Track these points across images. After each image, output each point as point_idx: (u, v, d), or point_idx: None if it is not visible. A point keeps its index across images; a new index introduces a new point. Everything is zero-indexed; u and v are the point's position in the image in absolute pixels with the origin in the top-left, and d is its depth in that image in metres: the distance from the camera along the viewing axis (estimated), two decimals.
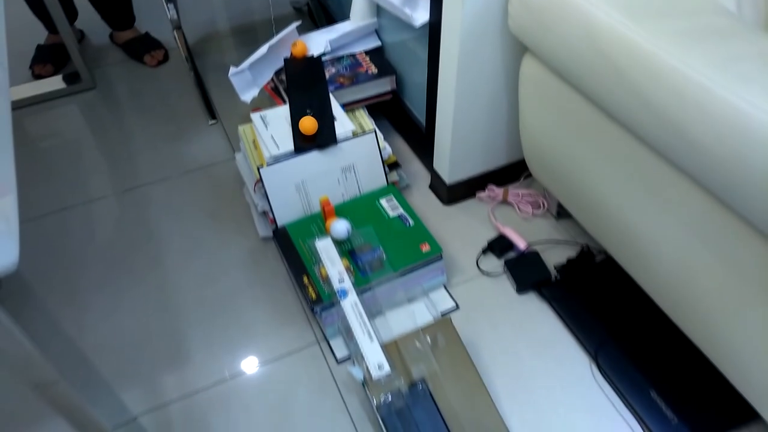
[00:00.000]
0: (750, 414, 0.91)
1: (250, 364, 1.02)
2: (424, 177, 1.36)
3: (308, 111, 1.13)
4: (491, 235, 1.22)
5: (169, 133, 1.51)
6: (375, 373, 0.90)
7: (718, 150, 0.65)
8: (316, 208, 1.17)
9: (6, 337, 0.53)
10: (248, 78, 1.26)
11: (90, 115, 1.59)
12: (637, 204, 0.86)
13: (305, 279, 1.04)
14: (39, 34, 1.77)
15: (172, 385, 0.99)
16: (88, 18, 1.84)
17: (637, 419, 0.93)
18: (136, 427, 0.88)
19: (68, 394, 0.61)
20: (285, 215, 1.15)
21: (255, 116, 1.19)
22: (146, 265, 1.19)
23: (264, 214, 1.22)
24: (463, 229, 1.24)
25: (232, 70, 1.24)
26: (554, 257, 1.17)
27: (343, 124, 1.17)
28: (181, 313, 1.10)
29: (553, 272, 1.13)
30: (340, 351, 1.03)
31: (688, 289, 0.83)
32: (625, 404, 0.94)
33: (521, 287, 1.11)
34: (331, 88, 1.26)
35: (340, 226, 1.06)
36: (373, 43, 1.40)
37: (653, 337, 1.01)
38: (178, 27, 1.68)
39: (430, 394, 0.90)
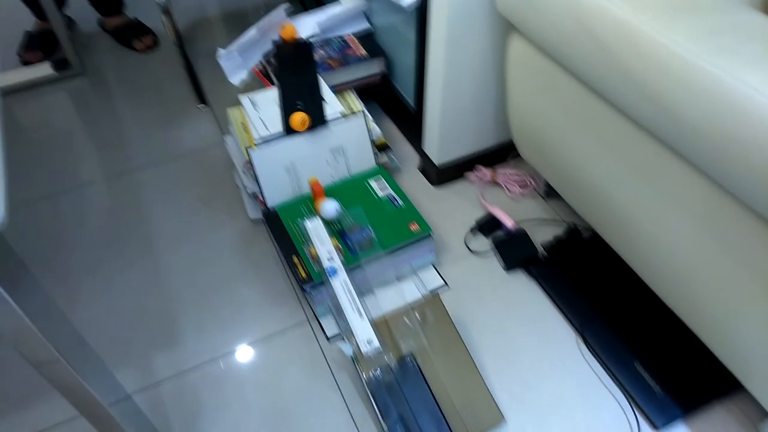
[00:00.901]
0: (733, 384, 0.93)
1: (241, 344, 1.03)
2: (413, 159, 1.37)
3: (298, 105, 1.13)
4: (480, 215, 1.23)
5: (158, 118, 1.51)
6: (364, 349, 0.92)
7: (702, 123, 0.66)
8: (306, 189, 1.18)
9: (10, 318, 0.54)
10: (237, 60, 1.27)
11: (79, 101, 1.59)
12: (623, 181, 0.87)
13: (295, 259, 1.05)
14: (26, 20, 1.76)
15: (163, 365, 1.00)
16: (77, 4, 1.83)
17: (623, 391, 0.94)
18: (130, 405, 0.89)
19: (67, 373, 0.62)
20: (275, 197, 1.15)
21: (244, 98, 1.20)
22: (138, 248, 1.20)
23: (254, 196, 1.22)
24: (452, 210, 1.25)
25: (221, 52, 1.24)
26: (542, 236, 1.18)
27: (332, 105, 1.17)
28: (173, 294, 1.11)
29: (541, 250, 1.15)
30: (331, 329, 1.04)
31: (672, 263, 0.84)
32: (611, 377, 0.96)
33: (509, 265, 1.13)
34: (320, 70, 1.26)
35: (330, 206, 1.07)
36: (362, 25, 1.40)
37: (638, 313, 1.03)
38: (166, 12, 1.68)
39: (419, 369, 0.92)
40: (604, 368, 0.98)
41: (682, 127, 0.69)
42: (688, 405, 0.92)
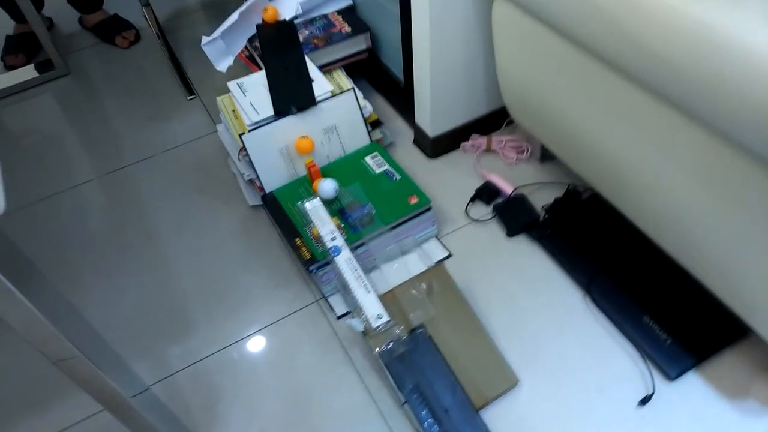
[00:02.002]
0: (742, 330, 0.94)
1: (252, 329, 1.04)
2: (407, 133, 1.36)
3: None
4: (478, 183, 1.23)
5: (148, 113, 1.50)
6: (374, 323, 0.92)
7: (689, 67, 0.66)
8: (302, 171, 1.17)
9: (26, 317, 0.54)
10: (222, 47, 1.25)
11: (66, 101, 1.57)
12: (617, 135, 0.87)
13: (298, 241, 1.05)
14: (5, 24, 1.73)
15: (177, 355, 1.01)
16: (54, 5, 1.80)
17: (633, 345, 0.95)
18: (150, 396, 0.90)
19: (88, 368, 0.63)
20: (272, 181, 1.15)
21: (232, 84, 1.19)
22: (139, 242, 1.20)
23: (251, 182, 1.22)
24: (450, 181, 1.25)
25: (205, 39, 1.23)
26: (541, 199, 1.18)
27: (321, 85, 1.16)
28: (179, 286, 1.11)
29: (541, 213, 1.15)
30: (339, 307, 1.04)
31: (672, 212, 0.85)
32: (619, 331, 0.97)
33: (511, 230, 1.13)
34: (305, 50, 1.25)
35: (328, 185, 1.07)
36: (344, 2, 1.38)
37: (642, 266, 1.03)
38: (146, 4, 1.66)
39: (430, 338, 0.92)
40: (613, 323, 0.98)
41: (670, 73, 0.69)
42: (700, 354, 0.93)
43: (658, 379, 0.92)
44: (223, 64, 1.26)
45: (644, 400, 0.89)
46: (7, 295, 0.51)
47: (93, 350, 0.64)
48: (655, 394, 0.90)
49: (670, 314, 0.97)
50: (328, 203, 1.08)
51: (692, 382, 0.91)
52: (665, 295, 0.99)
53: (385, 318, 0.93)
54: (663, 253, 1.00)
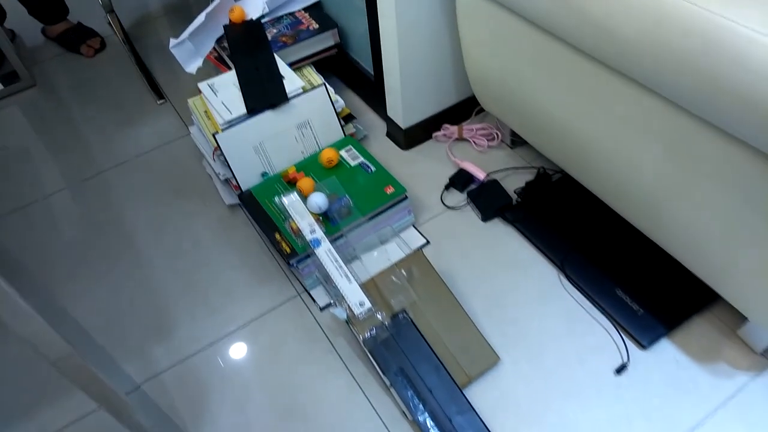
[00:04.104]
0: (710, 296, 0.98)
1: (236, 324, 1.04)
2: (380, 127, 1.38)
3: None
4: (451, 172, 1.25)
5: (118, 120, 1.49)
6: (357, 311, 0.94)
7: (649, 46, 0.69)
8: (278, 168, 1.19)
9: (26, 320, 0.55)
10: (190, 49, 1.26)
11: (34, 113, 1.55)
12: (583, 114, 0.90)
13: (277, 236, 1.06)
14: None
15: (161, 356, 1.01)
16: (17, 16, 1.78)
17: (606, 316, 0.99)
18: (141, 395, 0.90)
19: (83, 367, 0.64)
20: (248, 179, 1.16)
21: (203, 85, 1.19)
22: (118, 248, 1.19)
23: (227, 182, 1.23)
24: (424, 170, 1.27)
25: (173, 42, 1.23)
26: (513, 183, 1.21)
27: (291, 81, 1.17)
28: (160, 288, 1.12)
29: (514, 197, 1.18)
30: (322, 299, 1.06)
31: (639, 186, 0.88)
32: (594, 305, 1.00)
33: (485, 215, 1.16)
34: (274, 48, 1.26)
35: (317, 199, 1.05)
36: None
37: (613, 241, 1.07)
38: (110, 11, 1.65)
39: (412, 322, 0.94)
40: (586, 297, 1.02)
41: (623, 48, 0.72)
42: (671, 321, 0.97)
43: (633, 348, 0.95)
44: (192, 66, 1.27)
45: (620, 369, 0.93)
46: (5, 296, 0.52)
47: (86, 350, 0.65)
48: (630, 363, 0.93)
49: (640, 286, 1.00)
50: (305, 198, 1.09)
51: (665, 349, 0.95)
52: (635, 268, 1.03)
53: (368, 305, 0.95)
54: (631, 228, 1.04)
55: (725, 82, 0.62)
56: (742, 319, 0.95)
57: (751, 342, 0.93)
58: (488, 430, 0.85)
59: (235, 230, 1.20)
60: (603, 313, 1.00)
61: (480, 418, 0.86)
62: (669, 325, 0.96)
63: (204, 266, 1.14)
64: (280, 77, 1.17)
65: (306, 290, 1.08)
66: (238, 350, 1.01)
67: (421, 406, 0.86)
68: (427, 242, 1.13)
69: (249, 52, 1.22)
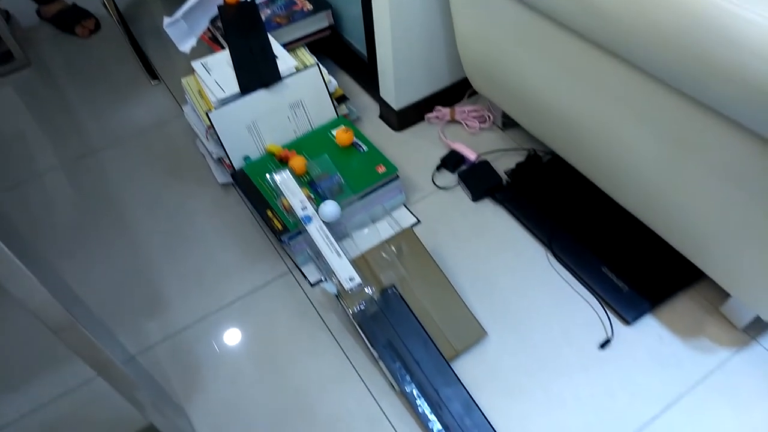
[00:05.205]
0: (694, 274, 1.00)
1: (228, 300, 1.06)
2: (373, 108, 1.39)
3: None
4: (443, 153, 1.27)
5: (112, 101, 1.50)
6: (347, 285, 0.96)
7: (641, 26, 0.70)
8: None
9: (30, 288, 0.57)
10: (184, 28, 1.26)
11: (28, 93, 1.56)
12: (574, 94, 0.91)
13: (269, 213, 1.07)
14: None
15: (155, 330, 1.03)
16: None
17: (592, 293, 1.00)
18: (137, 365, 0.92)
19: (84, 336, 0.66)
20: (240, 157, 1.17)
21: (196, 64, 1.20)
22: (111, 226, 1.20)
23: (220, 161, 1.23)
24: (416, 151, 1.28)
25: (166, 21, 1.23)
26: (504, 164, 1.23)
27: (285, 60, 1.18)
28: (154, 265, 1.13)
29: (505, 178, 1.19)
30: (313, 275, 1.07)
31: (626, 165, 0.89)
32: (580, 282, 1.02)
33: (476, 195, 1.17)
34: (268, 29, 1.27)
35: (330, 208, 1.05)
36: None
37: (600, 220, 1.08)
38: None
39: (401, 297, 0.96)
40: (574, 276, 1.03)
41: (611, 25, 0.73)
42: (655, 298, 0.98)
43: (617, 324, 0.97)
44: (186, 45, 1.27)
45: (604, 344, 0.95)
46: (11, 265, 0.54)
47: (86, 320, 0.66)
48: (614, 338, 0.95)
49: (626, 264, 1.02)
50: (298, 176, 1.11)
51: (648, 325, 0.97)
52: (621, 246, 1.04)
53: (357, 279, 0.96)
54: (618, 207, 1.05)
55: (714, 59, 0.64)
56: (725, 296, 0.97)
57: (733, 318, 0.95)
58: (474, 401, 0.87)
59: (227, 208, 1.21)
60: (589, 290, 1.01)
61: (466, 390, 0.88)
62: (653, 302, 0.98)
63: (197, 244, 1.15)
64: (274, 57, 1.18)
65: (297, 266, 1.09)
66: (230, 325, 1.02)
67: (408, 377, 0.88)
68: (418, 221, 1.15)
69: (243, 32, 1.23)
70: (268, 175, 1.11)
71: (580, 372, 0.92)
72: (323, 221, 1.02)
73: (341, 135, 1.15)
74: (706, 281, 1.01)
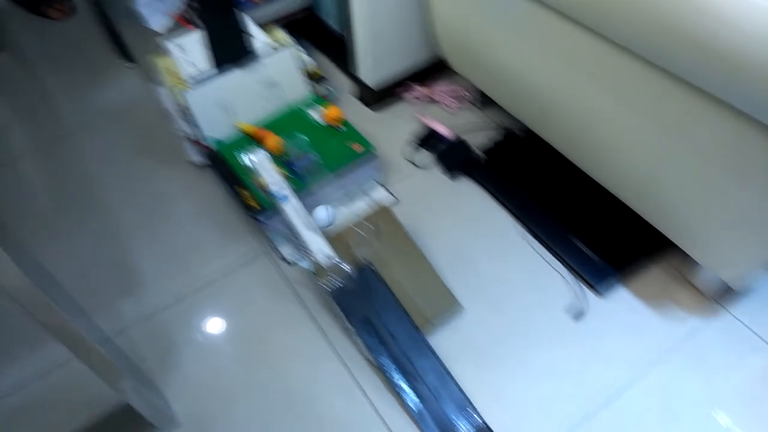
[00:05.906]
0: (663, 243, 1.01)
1: (203, 280, 1.06)
2: (351, 89, 1.39)
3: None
4: (421, 132, 1.27)
5: (86, 83, 1.48)
6: (322, 261, 0.96)
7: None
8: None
9: (5, 269, 0.60)
10: (157, 5, 1.25)
11: (1, 77, 1.53)
12: (549, 68, 0.92)
13: (244, 192, 1.07)
14: None
15: (130, 311, 1.02)
16: None
17: (564, 265, 1.02)
18: (113, 346, 0.92)
19: (59, 317, 0.66)
20: (215, 137, 1.16)
21: (170, 44, 1.19)
22: (87, 208, 1.19)
23: (195, 141, 1.23)
24: (393, 131, 1.28)
25: None
26: (480, 142, 1.23)
27: (260, 40, 1.17)
28: (129, 246, 1.12)
29: (481, 155, 1.20)
30: (289, 254, 1.07)
31: (597, 137, 0.90)
32: (554, 255, 1.03)
33: (453, 173, 1.18)
34: (243, 7, 1.25)
35: (322, 213, 1.06)
36: None
37: (572, 195, 1.09)
38: None
39: (377, 273, 0.96)
40: (548, 250, 1.05)
41: (601, 6, 0.73)
42: (625, 269, 1.00)
43: (590, 296, 0.99)
44: (158, 23, 1.26)
45: (577, 316, 0.96)
46: None
47: (62, 302, 0.67)
48: (587, 310, 0.97)
49: (597, 237, 1.03)
50: (274, 156, 1.10)
51: (620, 296, 0.98)
52: (593, 220, 1.06)
53: (333, 256, 0.96)
54: (591, 182, 1.07)
55: (686, 30, 0.64)
56: (695, 265, 0.99)
57: (703, 287, 0.97)
58: (448, 372, 0.88)
59: (202, 189, 1.20)
60: (562, 263, 1.03)
61: (441, 362, 0.89)
62: (623, 272, 0.99)
63: (172, 224, 1.15)
64: (249, 36, 1.17)
65: (273, 246, 1.09)
66: (206, 305, 1.02)
67: (384, 351, 0.89)
68: (396, 199, 1.15)
69: (217, 11, 1.22)
70: (243, 155, 1.11)
71: (553, 342, 0.93)
72: (319, 225, 1.03)
73: (331, 112, 1.14)
74: (676, 251, 1.02)
